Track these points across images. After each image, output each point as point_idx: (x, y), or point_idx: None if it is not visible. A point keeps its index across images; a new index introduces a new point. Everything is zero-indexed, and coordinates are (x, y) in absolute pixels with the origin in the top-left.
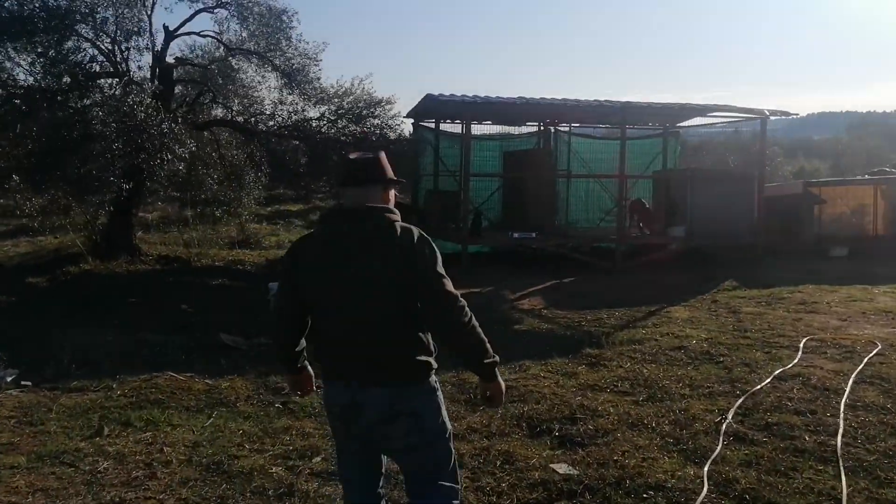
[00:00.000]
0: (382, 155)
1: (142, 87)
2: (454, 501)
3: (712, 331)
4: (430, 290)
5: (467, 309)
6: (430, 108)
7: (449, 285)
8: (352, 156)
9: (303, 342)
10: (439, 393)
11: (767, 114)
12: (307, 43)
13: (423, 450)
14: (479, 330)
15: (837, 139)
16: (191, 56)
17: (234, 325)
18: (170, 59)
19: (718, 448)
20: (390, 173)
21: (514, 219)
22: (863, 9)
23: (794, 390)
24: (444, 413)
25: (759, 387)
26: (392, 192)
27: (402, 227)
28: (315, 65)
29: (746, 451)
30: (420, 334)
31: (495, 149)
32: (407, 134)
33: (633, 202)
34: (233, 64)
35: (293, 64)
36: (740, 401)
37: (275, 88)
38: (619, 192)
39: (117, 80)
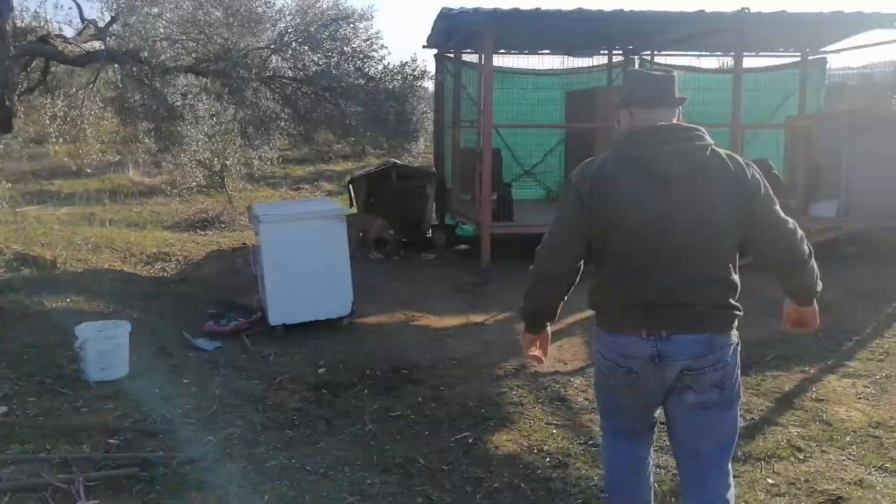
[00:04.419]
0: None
1: None
2: (731, 491)
3: None
4: (775, 220)
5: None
6: (449, 30)
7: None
8: (648, 72)
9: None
10: (739, 347)
11: None
12: None
13: (717, 411)
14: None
15: None
16: None
17: None
18: None
19: None
20: None
21: None
22: None
23: None
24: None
25: None
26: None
27: (725, 152)
28: None
29: None
30: (736, 277)
31: (552, 88)
32: (397, 65)
33: (756, 164)
34: None
35: None
36: None
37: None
38: (732, 148)
39: None
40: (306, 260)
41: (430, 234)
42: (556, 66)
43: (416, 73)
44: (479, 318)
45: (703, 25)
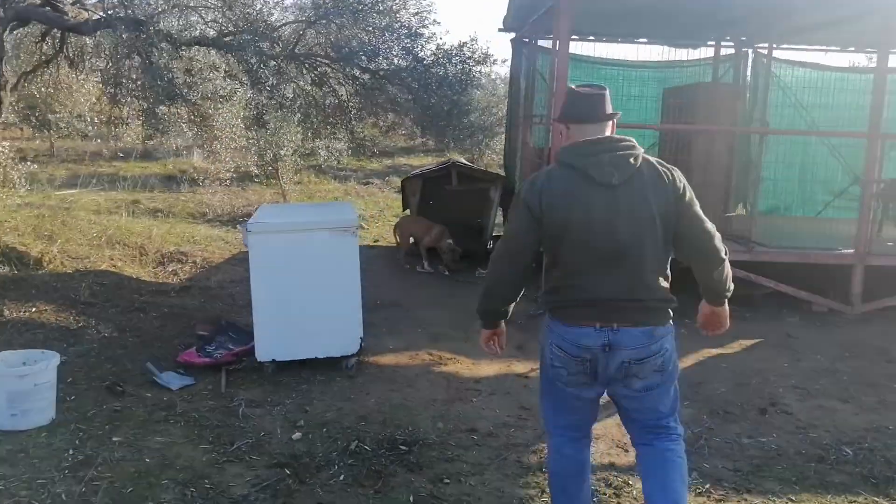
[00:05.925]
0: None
1: None
2: (682, 443)
3: None
4: (697, 223)
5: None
6: (525, 9)
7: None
8: (580, 90)
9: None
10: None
11: None
12: None
13: (659, 390)
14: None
15: None
16: None
17: None
18: None
19: None
20: None
21: None
22: None
23: None
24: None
25: None
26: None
27: (654, 159)
28: None
29: None
30: (669, 272)
31: (647, 82)
32: (454, 46)
33: (893, 184)
34: None
35: None
36: None
37: None
38: (866, 163)
39: None
40: (306, 282)
41: (490, 246)
42: (652, 57)
43: (476, 56)
44: (522, 368)
45: (843, 8)
